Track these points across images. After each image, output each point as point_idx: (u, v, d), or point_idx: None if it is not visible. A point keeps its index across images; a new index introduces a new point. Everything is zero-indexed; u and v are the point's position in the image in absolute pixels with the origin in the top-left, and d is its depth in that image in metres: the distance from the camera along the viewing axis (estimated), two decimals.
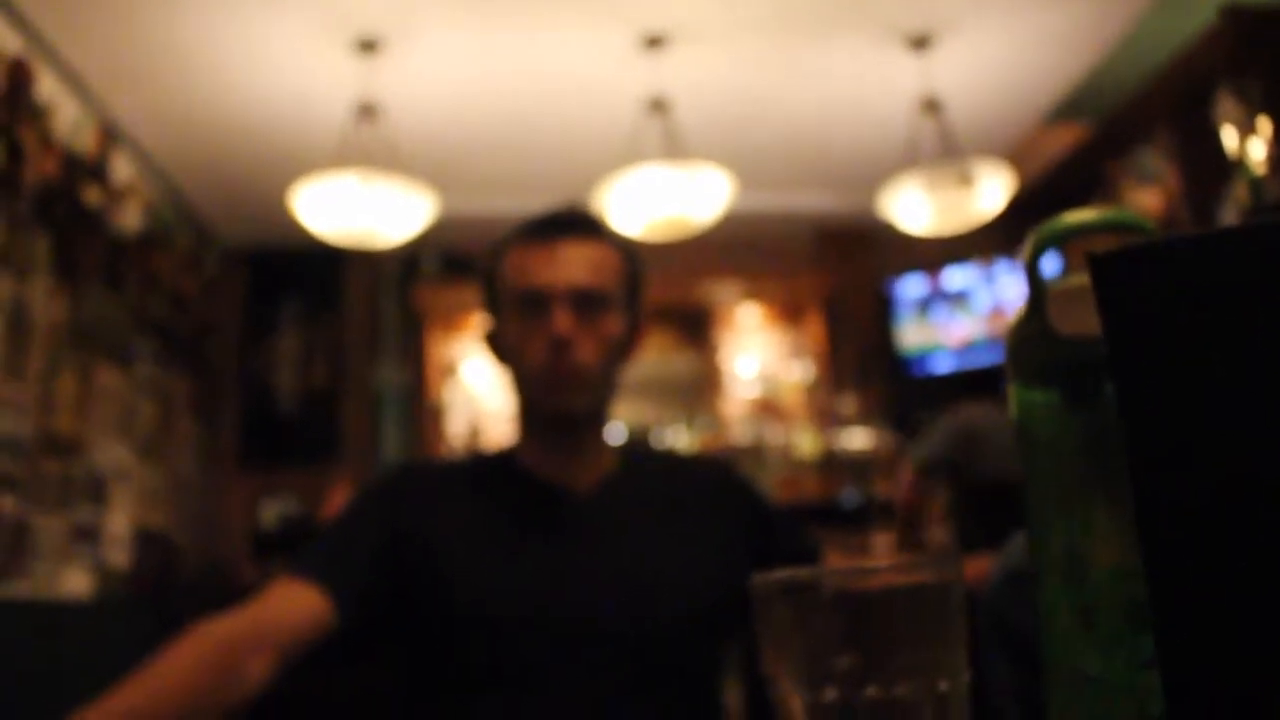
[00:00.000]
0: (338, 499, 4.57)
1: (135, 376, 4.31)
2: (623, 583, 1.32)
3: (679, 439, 5.13)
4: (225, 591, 4.33)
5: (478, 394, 5.26)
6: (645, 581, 1.33)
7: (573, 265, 1.35)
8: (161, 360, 4.55)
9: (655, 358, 5.13)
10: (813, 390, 5.28)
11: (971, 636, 0.70)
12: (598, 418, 1.41)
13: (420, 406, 5.31)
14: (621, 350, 1.40)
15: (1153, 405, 0.42)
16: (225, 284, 5.31)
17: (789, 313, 5.44)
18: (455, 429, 5.23)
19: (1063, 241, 0.51)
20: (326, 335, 5.45)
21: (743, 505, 1.47)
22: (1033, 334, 0.53)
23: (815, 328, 5.35)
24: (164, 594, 4.33)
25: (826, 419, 5.12)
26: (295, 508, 5.06)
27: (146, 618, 4.07)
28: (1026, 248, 0.51)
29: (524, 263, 1.37)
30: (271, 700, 1.16)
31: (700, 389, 5.27)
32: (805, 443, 5.09)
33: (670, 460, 1.62)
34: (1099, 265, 0.43)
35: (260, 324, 5.42)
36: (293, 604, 1.21)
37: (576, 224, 1.40)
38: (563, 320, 1.32)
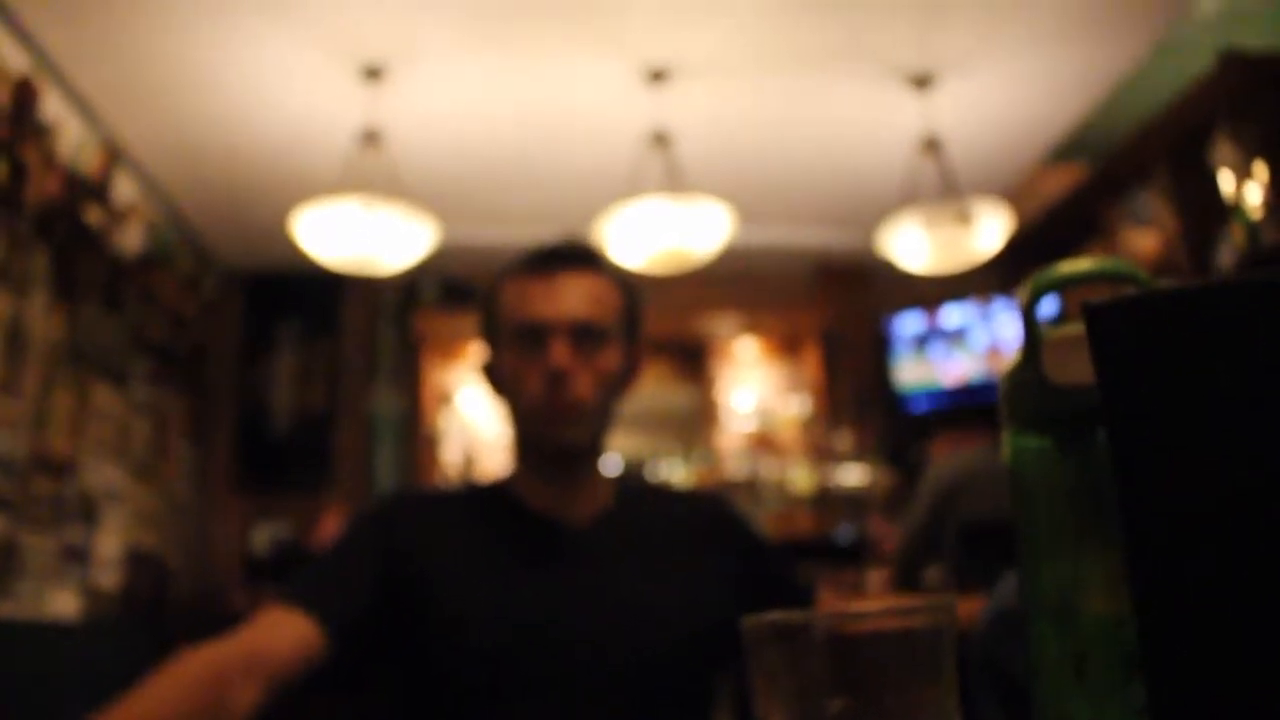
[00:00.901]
0: (329, 525, 4.56)
1: (131, 397, 4.31)
2: (616, 616, 1.32)
3: (675, 472, 5.12)
4: (216, 615, 4.30)
5: (473, 423, 5.26)
6: (638, 615, 1.33)
7: (571, 298, 1.35)
8: (157, 381, 4.55)
9: (652, 390, 5.13)
10: (809, 425, 5.28)
11: (962, 677, 0.70)
12: (594, 451, 1.41)
13: (415, 433, 5.30)
14: (619, 383, 1.41)
15: (1145, 454, 0.42)
16: (223, 306, 5.31)
17: (786, 347, 5.45)
18: (450, 457, 5.22)
19: (1058, 290, 0.51)
20: (323, 360, 5.45)
21: (736, 541, 1.47)
22: (1027, 381, 0.53)
23: (812, 362, 5.36)
24: (155, 616, 4.31)
25: (822, 454, 5.11)
26: (287, 532, 5.04)
27: (136, 640, 4.04)
28: (1023, 295, 0.52)
29: (522, 294, 1.37)
30: None
31: (696, 422, 5.26)
32: (800, 478, 5.08)
33: (665, 494, 1.62)
34: (1094, 315, 0.44)
35: (257, 347, 5.42)
36: (283, 632, 1.20)
37: (576, 256, 1.40)
38: (560, 353, 1.32)
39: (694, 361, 5.32)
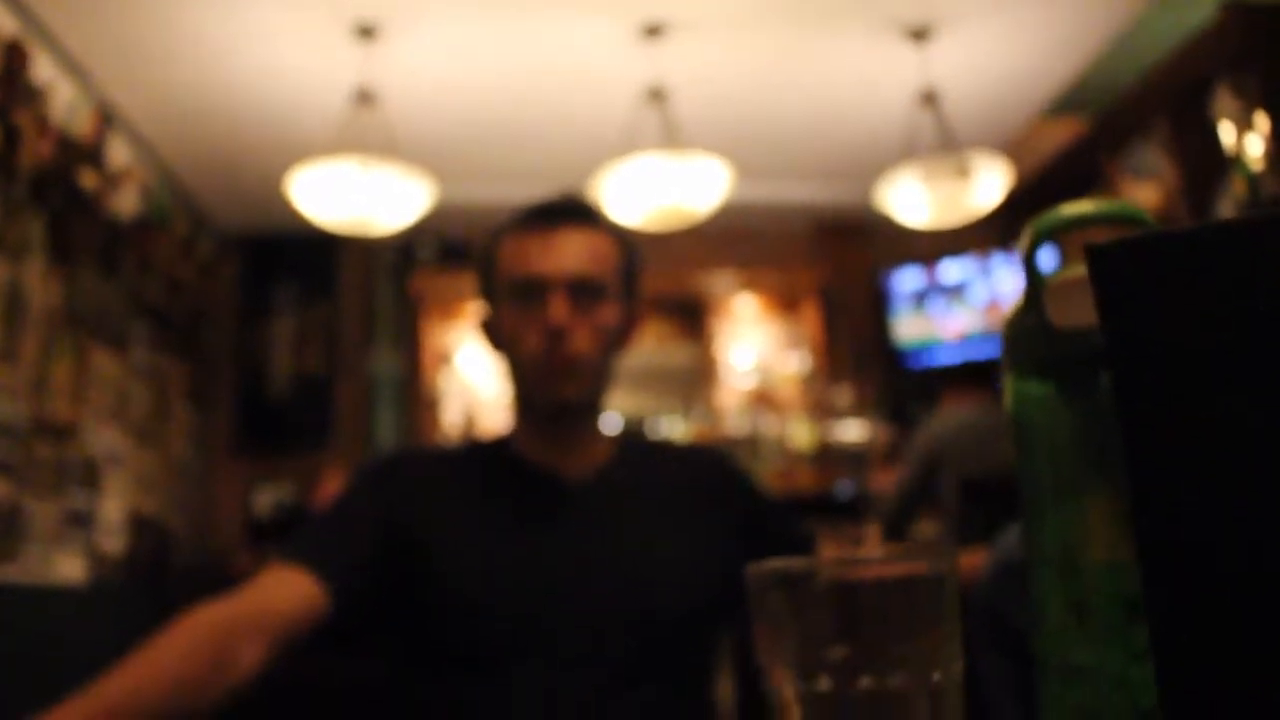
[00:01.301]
0: (330, 486, 4.57)
1: (130, 361, 4.31)
2: (616, 571, 1.32)
3: (674, 430, 5.13)
4: (219, 577, 4.33)
5: (473, 383, 5.25)
6: (639, 570, 1.33)
7: (570, 253, 1.35)
8: (156, 345, 4.54)
9: (651, 348, 5.13)
10: (808, 382, 5.27)
11: (965, 630, 0.70)
12: (593, 407, 1.41)
13: (415, 394, 5.30)
14: (618, 339, 1.40)
15: (1149, 396, 0.42)
16: (220, 269, 5.29)
17: (785, 304, 5.44)
18: (450, 418, 5.22)
19: (1061, 233, 0.51)
20: (321, 321, 5.44)
21: (737, 495, 1.47)
22: (1029, 326, 0.52)
23: (811, 319, 5.35)
24: (158, 580, 4.33)
25: (822, 410, 5.12)
26: (288, 494, 5.06)
27: (141, 603, 4.07)
28: (1024, 239, 0.51)
29: (521, 250, 1.36)
30: (265, 688, 1.16)
31: (696, 380, 5.26)
32: (800, 434, 5.08)
33: (665, 450, 1.61)
34: (1097, 257, 0.43)
35: (255, 309, 5.41)
36: (286, 590, 1.21)
37: (574, 212, 1.39)
38: (559, 309, 1.32)
39: (693, 319, 5.31)
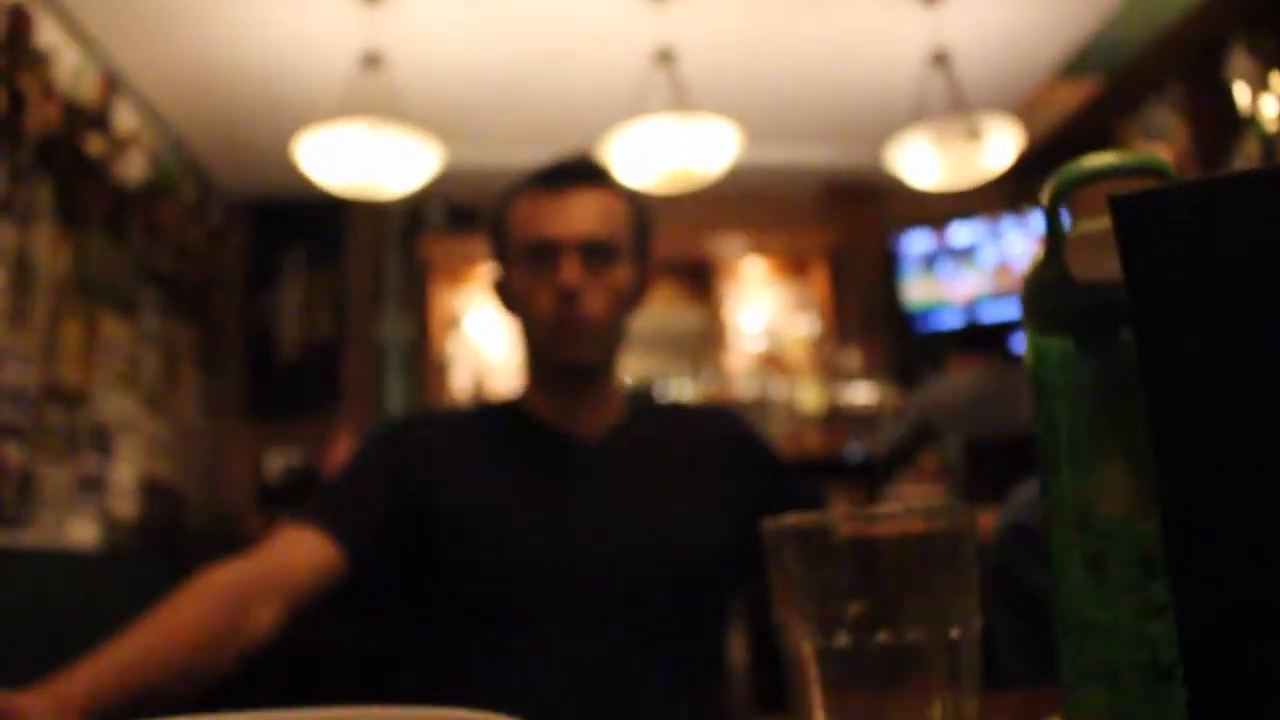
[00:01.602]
0: (340, 450, 4.58)
1: (140, 327, 4.31)
2: (629, 530, 1.32)
3: (683, 392, 5.13)
4: (230, 541, 4.35)
5: (482, 347, 5.26)
6: (652, 530, 1.33)
7: (582, 215, 1.34)
8: (166, 311, 4.55)
9: (660, 310, 5.12)
10: (817, 344, 5.27)
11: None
12: (606, 367, 1.41)
13: (424, 359, 5.31)
14: (630, 300, 1.40)
15: (1173, 349, 0.41)
16: (228, 234, 5.29)
17: (794, 266, 5.42)
18: (459, 382, 5.23)
19: (1085, 184, 0.50)
20: (329, 286, 5.44)
21: (750, 455, 1.47)
22: (1050, 279, 0.52)
23: (820, 282, 5.33)
24: (171, 544, 4.36)
25: (831, 373, 5.11)
26: (298, 458, 5.08)
27: (153, 567, 4.10)
28: (1046, 191, 0.51)
29: (533, 212, 1.36)
30: (278, 651, 1.16)
31: (704, 342, 5.25)
32: (809, 397, 5.08)
33: (678, 410, 1.62)
34: (1121, 208, 0.43)
35: (263, 274, 5.41)
36: (301, 550, 1.22)
37: (585, 173, 1.39)
38: (571, 271, 1.31)
39: (701, 282, 5.30)
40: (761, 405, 5.04)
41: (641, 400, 1.49)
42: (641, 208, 1.43)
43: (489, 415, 1.45)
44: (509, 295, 1.41)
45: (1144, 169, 0.50)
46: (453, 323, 5.33)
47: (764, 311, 5.35)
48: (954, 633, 0.50)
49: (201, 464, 4.91)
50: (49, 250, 3.60)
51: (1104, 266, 0.47)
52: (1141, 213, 0.42)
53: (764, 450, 1.49)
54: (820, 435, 4.91)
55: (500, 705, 1.20)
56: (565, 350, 1.35)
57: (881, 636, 0.49)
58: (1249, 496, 0.40)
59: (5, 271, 3.33)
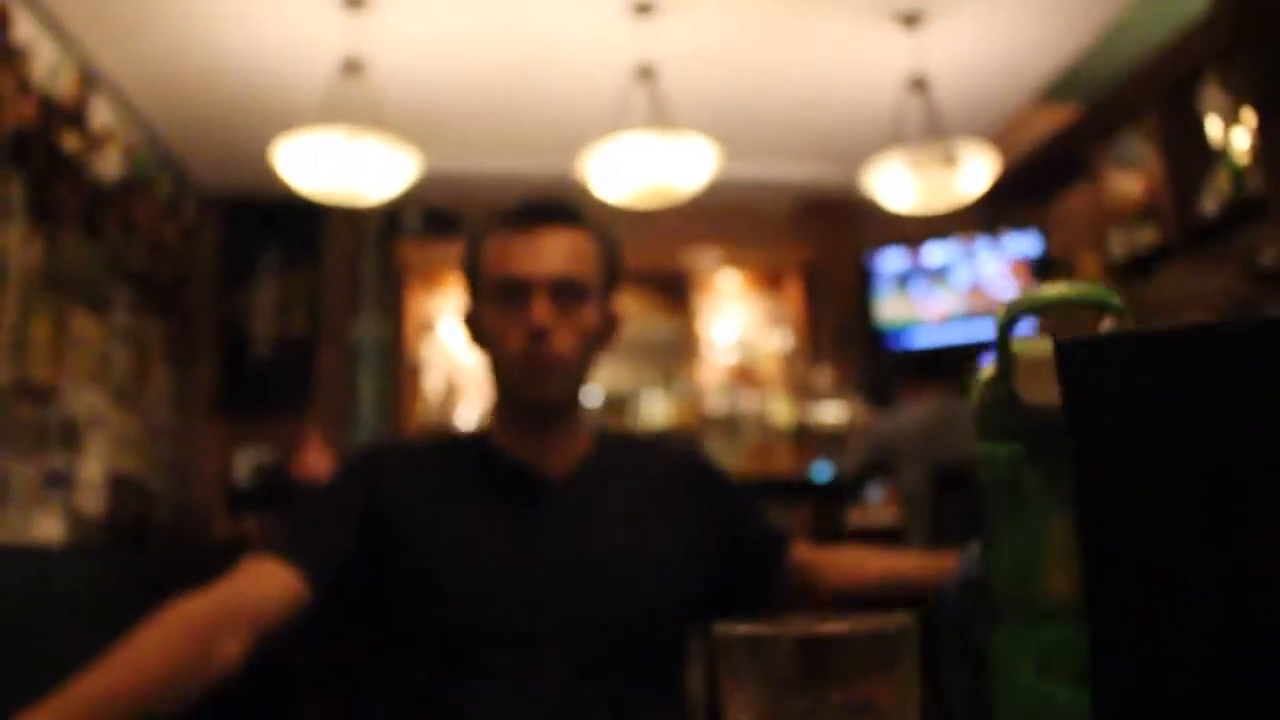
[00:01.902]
0: (311, 453, 4.58)
1: (111, 323, 4.30)
2: (595, 565, 1.34)
3: (655, 404, 5.15)
4: (199, 542, 4.35)
5: (455, 351, 5.26)
6: (618, 564, 1.35)
7: (553, 255, 1.35)
8: (138, 307, 4.53)
9: (633, 322, 5.13)
10: (790, 359, 5.30)
11: (930, 642, 0.73)
12: (573, 404, 1.42)
13: (397, 362, 5.31)
14: (598, 339, 1.41)
15: (1108, 489, 0.44)
16: (203, 231, 5.27)
17: (768, 281, 5.45)
18: (432, 385, 5.24)
19: (1036, 313, 0.52)
20: (304, 286, 5.43)
21: (714, 491, 1.49)
22: (1000, 398, 0.54)
23: (794, 297, 5.37)
24: (138, 540, 4.34)
25: (802, 389, 5.14)
26: (268, 456, 5.07)
27: (120, 563, 4.08)
28: (999, 315, 0.53)
29: (504, 251, 1.37)
30: (247, 671, 1.17)
31: (677, 354, 5.28)
32: (780, 412, 5.11)
33: (643, 445, 1.63)
34: (1065, 354, 0.45)
35: (237, 272, 5.40)
36: (266, 583, 1.22)
37: (558, 212, 1.40)
38: (541, 310, 1.33)
39: (676, 293, 5.32)
40: (732, 419, 5.07)
41: (607, 434, 1.51)
42: (613, 247, 1.45)
43: (456, 448, 1.46)
44: (479, 329, 1.42)
45: (1093, 301, 0.52)
46: (427, 326, 5.34)
47: (738, 325, 5.38)
48: None
49: (171, 461, 4.89)
50: (20, 246, 3.58)
51: (1049, 392, 0.49)
52: (1084, 359, 0.44)
53: (727, 486, 1.51)
54: (790, 451, 4.94)
55: None
56: (534, 388, 1.37)
57: None
58: (1174, 635, 0.42)
59: None
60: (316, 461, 4.52)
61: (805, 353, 5.26)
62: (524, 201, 1.42)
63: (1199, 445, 0.42)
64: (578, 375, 1.39)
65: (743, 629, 0.52)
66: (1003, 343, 0.53)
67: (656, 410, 5.17)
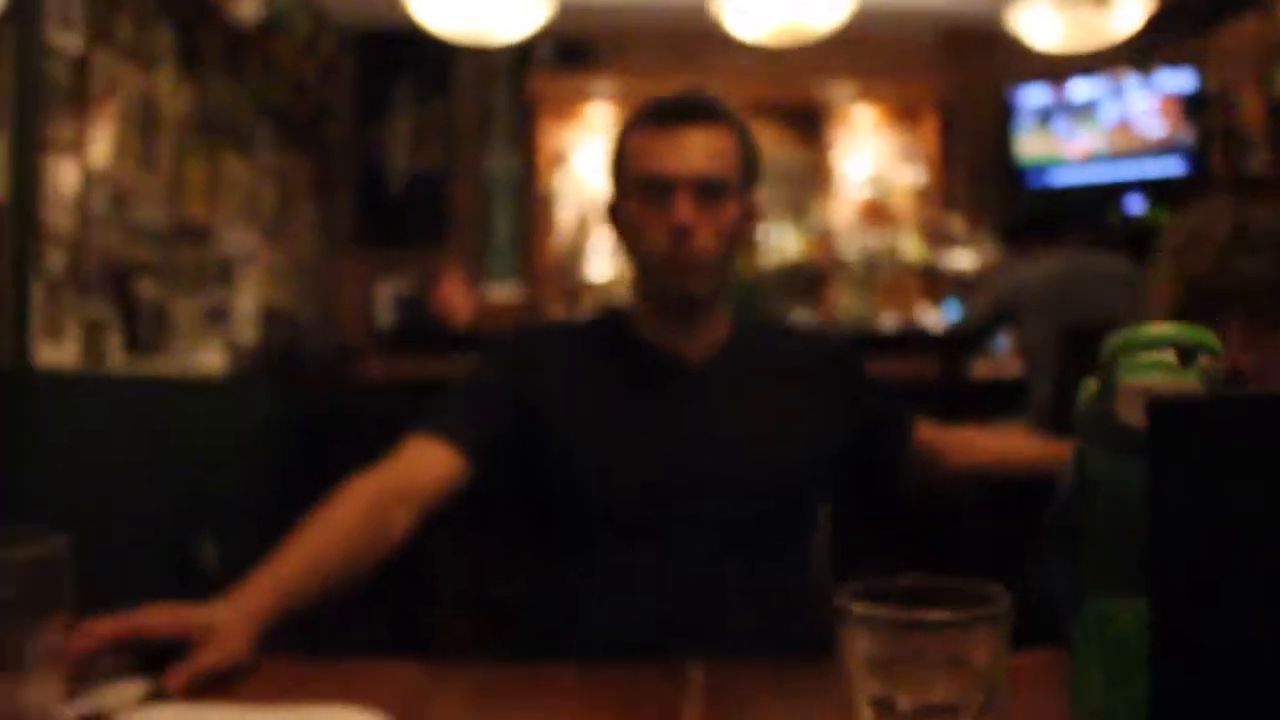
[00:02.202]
0: (450, 287, 4.73)
1: (257, 162, 4.46)
2: (730, 449, 1.41)
3: (785, 239, 5.15)
4: (345, 372, 4.57)
5: (587, 183, 5.31)
6: (751, 448, 1.42)
7: (695, 153, 1.38)
8: (281, 145, 4.68)
9: (765, 155, 5.08)
10: (923, 195, 5.19)
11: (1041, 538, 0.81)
12: (716, 295, 1.48)
13: (530, 194, 5.38)
14: (739, 235, 1.45)
15: (1183, 545, 0.48)
16: (340, 67, 5.35)
17: (904, 115, 5.30)
18: (564, 217, 5.31)
19: (1142, 350, 0.56)
20: (438, 119, 5.50)
21: (844, 376, 1.53)
22: (1100, 413, 0.59)
23: (930, 132, 5.22)
24: (289, 369, 4.59)
25: (935, 233, 5.06)
26: (408, 288, 5.25)
27: (274, 391, 4.35)
28: (1108, 349, 0.57)
29: (648, 148, 1.41)
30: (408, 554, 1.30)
31: (809, 189, 5.22)
32: (911, 249, 5.04)
33: (782, 332, 1.68)
34: (1156, 411, 0.49)
35: (373, 106, 5.49)
36: (429, 461, 1.34)
37: (700, 110, 1.42)
38: (685, 209, 1.36)
39: (809, 127, 5.23)
40: (862, 257, 5.03)
41: (748, 322, 1.56)
42: (751, 140, 1.47)
43: (599, 333, 1.53)
44: (623, 223, 1.48)
45: (1197, 345, 0.56)
46: (559, 158, 5.37)
47: (870, 161, 5.27)
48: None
49: (316, 292, 5.12)
50: (171, 93, 3.72)
51: (1143, 418, 0.54)
52: (1173, 419, 0.49)
53: (857, 370, 1.56)
54: (919, 292, 4.90)
55: (600, 610, 1.33)
56: (677, 284, 1.41)
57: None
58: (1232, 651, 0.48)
59: (133, 116, 3.47)
60: (455, 295, 4.66)
61: (939, 191, 5.14)
62: (667, 99, 1.44)
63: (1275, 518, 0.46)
64: (720, 270, 1.43)
65: (859, 609, 0.59)
66: (1108, 372, 0.57)
67: (787, 245, 5.16)
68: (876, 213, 5.19)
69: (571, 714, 0.91)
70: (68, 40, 3.11)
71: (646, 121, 1.43)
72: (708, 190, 1.38)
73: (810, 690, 0.95)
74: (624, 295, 4.57)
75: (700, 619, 1.36)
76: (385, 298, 5.30)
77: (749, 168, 1.46)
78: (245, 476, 3.86)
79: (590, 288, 5.14)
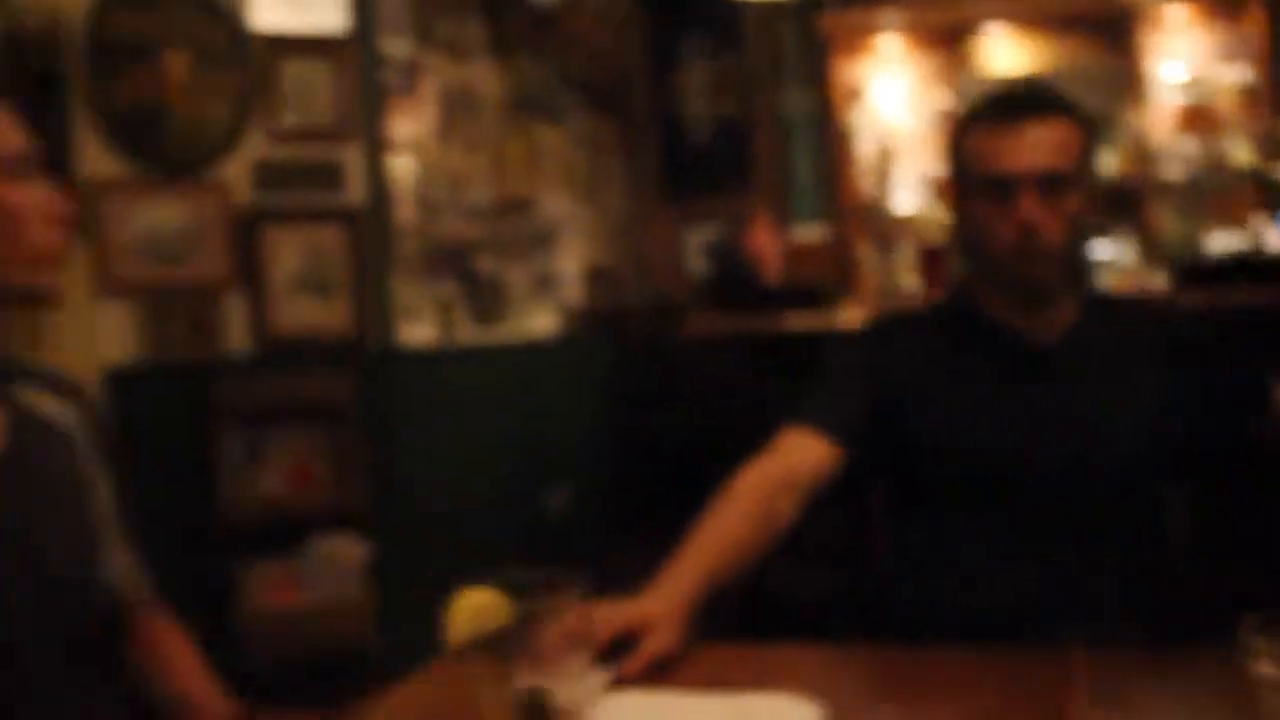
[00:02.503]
0: (760, 232, 4.82)
1: (568, 131, 4.74)
2: (1078, 429, 1.46)
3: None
4: (670, 327, 4.75)
5: (885, 116, 5.26)
6: (1100, 429, 1.46)
7: (1038, 148, 1.39)
8: (587, 111, 4.94)
9: (1070, 67, 4.85)
10: (1251, 96, 4.76)
11: None
12: (1064, 282, 1.49)
13: (827, 132, 5.39)
14: (1083, 224, 1.45)
15: None
16: (632, 29, 5.53)
17: (1223, 9, 4.87)
18: (863, 150, 5.29)
19: None
20: (730, 66, 5.59)
21: (1192, 352, 1.52)
22: None
23: (1257, 23, 4.77)
24: (616, 325, 4.85)
25: (1268, 140, 4.61)
26: (715, 234, 5.41)
27: (603, 349, 4.61)
28: None
29: (988, 146, 1.43)
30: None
31: (1120, 99, 4.92)
32: (1241, 157, 4.66)
33: (1127, 307, 1.66)
34: None
35: (667, 62, 5.64)
36: (806, 450, 1.47)
37: (1039, 103, 1.44)
38: (1030, 206, 1.39)
39: (1115, 33, 4.91)
40: (1182, 166, 4.72)
41: (1098, 298, 1.58)
42: (1090, 130, 1.46)
43: (947, 315, 1.60)
44: (966, 221, 1.50)
45: None
46: (854, 94, 5.35)
47: (1188, 63, 4.89)
48: None
49: (631, 247, 5.37)
50: (485, 78, 4.03)
51: None
52: None
53: (1205, 344, 1.54)
54: (1249, 199, 4.54)
55: (955, 582, 1.42)
56: (1027, 276, 1.44)
57: None
58: None
59: (455, 104, 3.80)
60: (765, 240, 4.77)
61: (1268, 90, 4.71)
62: (1005, 93, 1.47)
63: None
64: (1068, 259, 1.45)
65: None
66: None
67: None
68: (1197, 119, 4.81)
69: (956, 698, 0.99)
70: (398, 47, 3.44)
71: (985, 117, 1.46)
72: (1051, 185, 1.40)
73: (1194, 682, 0.99)
74: (934, 233, 4.54)
75: (1057, 599, 1.43)
76: (694, 244, 5.48)
77: (1089, 153, 1.46)
78: (584, 430, 4.14)
79: (899, 223, 5.11)
